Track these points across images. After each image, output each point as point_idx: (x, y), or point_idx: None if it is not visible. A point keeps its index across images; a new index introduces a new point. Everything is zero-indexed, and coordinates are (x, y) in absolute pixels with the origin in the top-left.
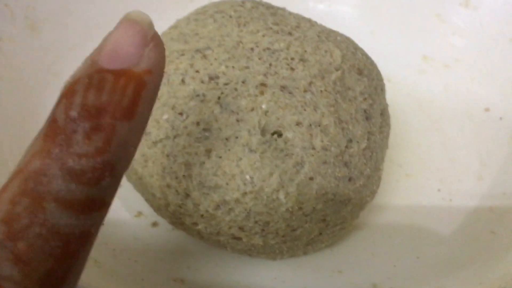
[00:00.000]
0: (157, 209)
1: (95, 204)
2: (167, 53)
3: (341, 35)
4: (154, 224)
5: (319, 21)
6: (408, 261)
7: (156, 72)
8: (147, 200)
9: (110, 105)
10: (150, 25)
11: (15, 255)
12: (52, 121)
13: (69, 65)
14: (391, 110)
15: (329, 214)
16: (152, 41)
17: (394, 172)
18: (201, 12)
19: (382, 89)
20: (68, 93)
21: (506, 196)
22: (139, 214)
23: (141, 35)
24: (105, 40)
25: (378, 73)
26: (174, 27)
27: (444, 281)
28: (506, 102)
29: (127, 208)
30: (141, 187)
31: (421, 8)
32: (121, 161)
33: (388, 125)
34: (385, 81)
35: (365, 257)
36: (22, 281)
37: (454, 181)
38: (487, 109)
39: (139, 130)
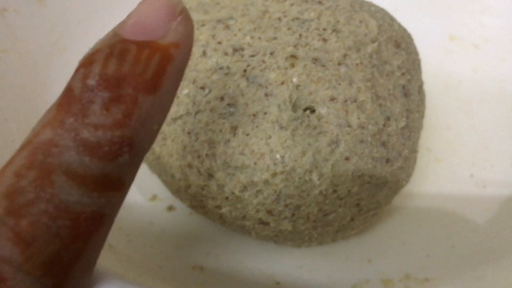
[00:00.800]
0: (176, 191)
1: (110, 181)
2: None
3: (375, 6)
4: (170, 208)
5: None
6: (442, 250)
7: (184, 47)
8: (164, 182)
9: (132, 76)
10: (179, 1)
11: (16, 234)
12: (68, 90)
13: (77, 40)
14: None
15: (363, 198)
16: (180, 15)
17: (423, 156)
18: None
19: (419, 65)
20: (87, 62)
21: None
22: (154, 197)
23: (169, 8)
24: (130, 13)
25: (415, 47)
26: None
27: (482, 270)
28: None
29: (141, 191)
30: (159, 167)
31: None
32: (142, 138)
33: (423, 104)
34: None
35: (396, 245)
36: (23, 264)
37: (487, 167)
38: None
39: (164, 106)
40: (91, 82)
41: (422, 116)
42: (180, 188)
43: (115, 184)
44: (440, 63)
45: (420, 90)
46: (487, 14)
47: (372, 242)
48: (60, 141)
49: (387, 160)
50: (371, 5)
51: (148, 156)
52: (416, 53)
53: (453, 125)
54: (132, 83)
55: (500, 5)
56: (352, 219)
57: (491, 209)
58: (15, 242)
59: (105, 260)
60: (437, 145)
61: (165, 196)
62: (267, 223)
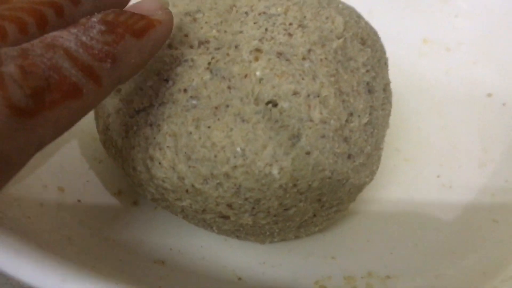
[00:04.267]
0: (138, 184)
1: (93, 73)
2: None
3: (343, 3)
4: (135, 203)
5: None
6: (405, 248)
7: (164, 24)
8: (127, 174)
9: (125, 23)
10: (167, 3)
11: (21, 66)
12: (77, 22)
13: None
14: None
15: (325, 194)
16: (164, 10)
17: (392, 156)
18: None
19: (386, 63)
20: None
21: (509, 183)
22: (119, 192)
23: (158, 3)
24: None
25: (381, 45)
26: None
27: (444, 270)
28: (510, 87)
29: (106, 185)
30: (121, 160)
31: None
32: (122, 60)
33: (390, 102)
34: None
35: (360, 243)
36: (20, 80)
37: (455, 167)
38: (489, 94)
39: (143, 52)
40: (93, 19)
41: (388, 114)
42: (142, 181)
43: (95, 77)
44: (414, 65)
45: (386, 88)
46: (460, 17)
47: (337, 239)
48: (64, 37)
49: (349, 156)
50: (339, 2)
51: (111, 149)
52: (382, 51)
53: (424, 126)
54: (123, 26)
55: (473, 9)
56: (314, 215)
57: (456, 209)
58: (19, 69)
59: (63, 251)
60: (406, 145)
61: (130, 191)
62: (227, 217)
